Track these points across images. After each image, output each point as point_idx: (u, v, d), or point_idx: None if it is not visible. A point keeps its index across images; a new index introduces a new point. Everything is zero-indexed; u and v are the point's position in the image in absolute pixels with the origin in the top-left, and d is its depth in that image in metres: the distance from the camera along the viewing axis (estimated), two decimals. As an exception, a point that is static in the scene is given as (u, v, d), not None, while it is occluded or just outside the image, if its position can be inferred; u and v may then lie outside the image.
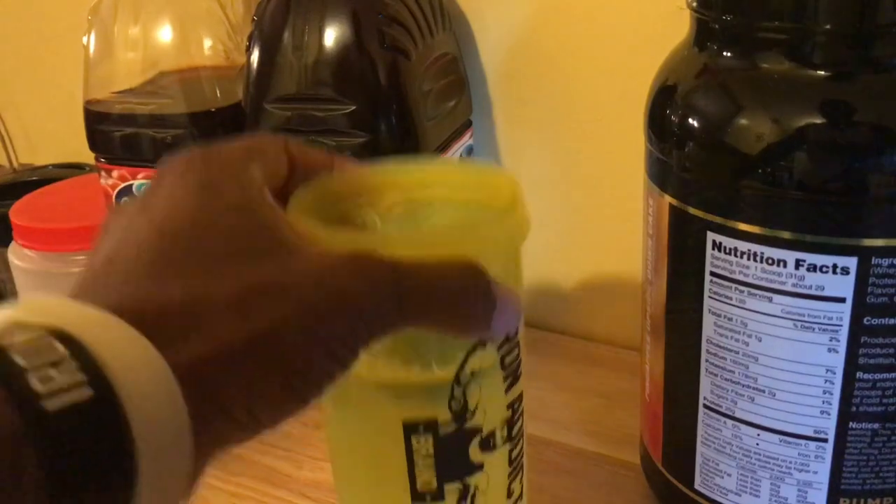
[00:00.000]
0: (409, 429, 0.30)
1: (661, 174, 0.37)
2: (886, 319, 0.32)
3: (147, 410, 0.20)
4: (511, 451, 0.33)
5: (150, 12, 0.54)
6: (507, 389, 0.32)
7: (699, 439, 0.38)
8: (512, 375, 0.32)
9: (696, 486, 0.40)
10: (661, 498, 0.44)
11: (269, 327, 0.23)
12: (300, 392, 0.23)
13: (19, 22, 0.83)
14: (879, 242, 0.31)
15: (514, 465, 0.34)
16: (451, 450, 0.31)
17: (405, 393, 0.31)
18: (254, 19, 0.50)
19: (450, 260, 0.26)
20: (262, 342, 0.22)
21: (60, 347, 0.19)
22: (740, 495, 0.38)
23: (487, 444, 0.32)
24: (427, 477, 0.31)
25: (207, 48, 0.55)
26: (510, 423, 0.33)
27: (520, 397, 0.33)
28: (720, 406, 0.37)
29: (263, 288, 0.23)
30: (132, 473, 0.20)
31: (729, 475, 0.38)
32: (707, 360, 0.37)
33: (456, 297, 0.26)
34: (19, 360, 0.19)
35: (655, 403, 0.41)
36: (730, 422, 0.37)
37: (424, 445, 0.30)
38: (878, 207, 0.31)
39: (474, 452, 0.31)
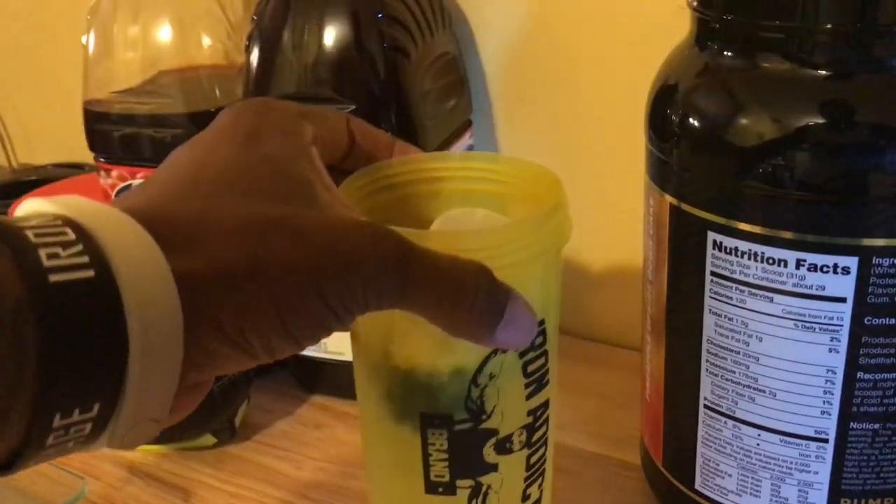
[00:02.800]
0: (426, 421, 0.31)
1: (661, 174, 0.36)
2: (887, 319, 0.32)
3: (143, 298, 0.21)
4: (529, 457, 0.33)
5: (150, 12, 0.54)
6: (530, 396, 0.32)
7: (699, 439, 0.38)
8: (536, 383, 0.32)
9: (697, 487, 0.40)
10: (661, 498, 0.44)
11: (270, 260, 0.24)
12: (292, 330, 0.24)
13: (19, 22, 0.83)
14: (880, 242, 0.31)
15: (533, 471, 0.34)
16: (465, 447, 0.31)
17: (425, 386, 0.31)
18: (253, 19, 0.50)
19: (461, 258, 0.26)
20: (260, 271, 0.23)
21: (70, 233, 0.21)
22: (741, 496, 0.38)
23: (503, 447, 0.32)
24: (440, 470, 0.32)
25: (207, 48, 0.55)
26: (530, 430, 0.33)
27: (544, 405, 0.33)
28: (721, 406, 0.37)
29: (274, 223, 0.24)
30: (123, 355, 0.21)
31: (729, 475, 0.38)
32: (707, 360, 0.37)
33: (455, 293, 0.26)
34: (33, 238, 0.21)
35: (656, 403, 0.41)
36: (730, 422, 0.37)
37: (439, 439, 0.31)
38: (879, 207, 0.31)
39: (489, 453, 0.32)
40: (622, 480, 0.47)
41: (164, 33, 0.54)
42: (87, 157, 0.58)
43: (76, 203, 0.23)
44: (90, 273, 0.20)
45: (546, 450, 0.35)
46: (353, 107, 0.47)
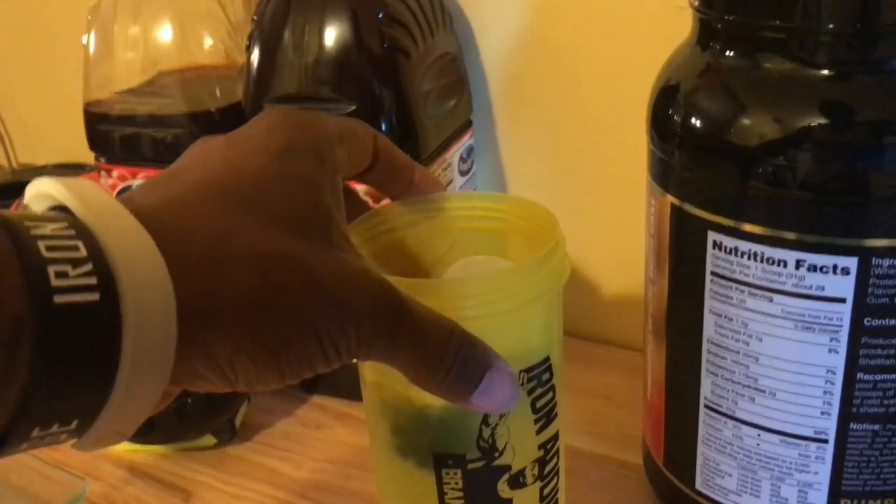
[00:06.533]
0: (439, 461, 0.32)
1: (663, 174, 0.36)
2: (887, 320, 0.32)
3: (142, 328, 0.21)
4: (542, 489, 0.34)
5: (150, 12, 0.54)
6: (539, 431, 0.33)
7: (700, 439, 0.38)
8: (545, 418, 0.33)
9: (698, 487, 0.40)
10: (662, 498, 0.44)
11: (278, 295, 0.24)
12: (283, 366, 0.25)
13: (19, 22, 0.83)
14: (880, 243, 0.31)
15: (546, 501, 0.35)
16: (479, 484, 0.32)
17: (437, 427, 0.32)
18: (254, 19, 0.50)
19: (448, 325, 0.27)
20: (268, 305, 0.24)
21: (82, 249, 0.21)
22: (741, 495, 0.38)
23: (517, 482, 0.33)
24: None
25: (207, 48, 0.55)
26: (542, 463, 0.33)
27: (554, 437, 0.34)
28: (721, 406, 0.37)
29: (289, 258, 0.25)
30: (111, 380, 0.21)
31: (730, 475, 0.38)
32: (708, 360, 0.37)
33: (432, 366, 0.26)
34: (44, 252, 0.20)
35: (657, 403, 0.41)
36: (730, 422, 0.37)
37: (454, 478, 0.32)
38: (879, 208, 0.31)
39: (503, 488, 0.32)
40: (623, 480, 0.47)
41: (164, 33, 0.54)
42: (87, 157, 0.58)
43: (94, 202, 0.22)
44: (95, 297, 0.20)
45: (558, 480, 0.35)
46: (353, 107, 0.47)
